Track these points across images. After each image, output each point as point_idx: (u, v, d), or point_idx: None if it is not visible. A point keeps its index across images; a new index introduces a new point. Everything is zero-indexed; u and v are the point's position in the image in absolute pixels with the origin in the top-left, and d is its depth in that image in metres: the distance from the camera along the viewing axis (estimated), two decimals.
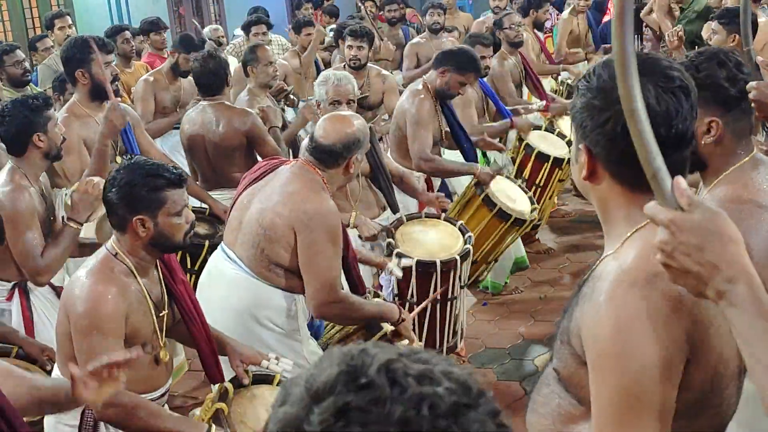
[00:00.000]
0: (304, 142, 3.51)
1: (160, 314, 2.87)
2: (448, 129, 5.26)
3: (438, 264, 4.23)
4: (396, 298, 4.20)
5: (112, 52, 4.47)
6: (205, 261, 3.85)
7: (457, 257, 4.29)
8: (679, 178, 1.27)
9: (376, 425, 0.84)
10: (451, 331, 4.50)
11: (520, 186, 5.37)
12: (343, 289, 3.46)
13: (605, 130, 1.51)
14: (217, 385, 2.97)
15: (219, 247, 3.59)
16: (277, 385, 3.00)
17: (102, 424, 2.77)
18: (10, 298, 3.70)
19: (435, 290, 4.17)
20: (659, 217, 1.28)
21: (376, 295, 3.87)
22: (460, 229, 4.55)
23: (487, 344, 5.21)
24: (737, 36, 4.71)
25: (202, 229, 4.37)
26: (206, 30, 9.08)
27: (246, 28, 8.08)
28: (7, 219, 3.40)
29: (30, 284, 3.68)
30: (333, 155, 3.39)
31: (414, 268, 4.19)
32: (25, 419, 2.99)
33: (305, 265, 3.31)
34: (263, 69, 5.54)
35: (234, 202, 3.59)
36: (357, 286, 3.63)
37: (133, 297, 2.74)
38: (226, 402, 2.82)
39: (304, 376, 0.91)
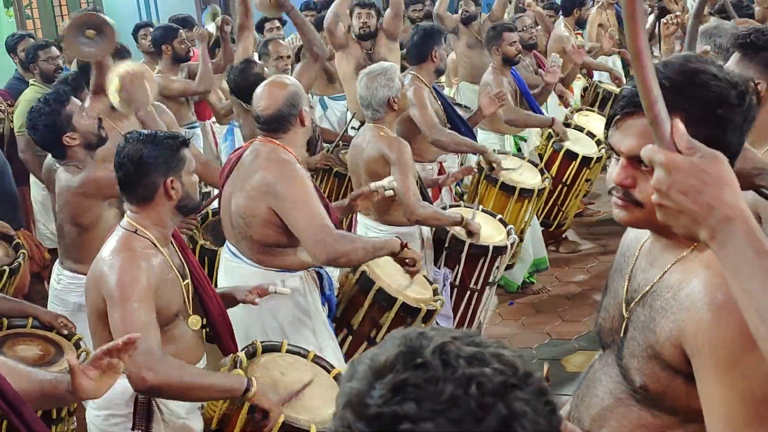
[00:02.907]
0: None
1: (185, 282, 2.91)
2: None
3: (490, 249, 4.35)
4: (455, 289, 4.40)
5: (124, 58, 4.47)
6: None
7: (508, 244, 4.44)
8: (678, 122, 1.26)
9: (429, 402, 0.91)
10: (471, 324, 4.58)
11: (530, 161, 5.45)
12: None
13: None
14: (229, 356, 2.98)
15: (224, 246, 3.66)
16: (287, 352, 3.05)
17: (156, 409, 2.79)
18: None
19: (480, 275, 4.37)
20: (657, 158, 1.27)
21: (434, 291, 3.85)
22: (500, 221, 4.68)
23: (514, 344, 5.17)
24: None
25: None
26: None
27: (259, 26, 8.09)
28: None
29: None
30: (283, 120, 3.43)
31: (466, 251, 4.31)
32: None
33: (293, 224, 3.31)
34: (273, 63, 5.58)
35: (220, 200, 3.65)
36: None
37: (160, 270, 2.77)
38: (242, 369, 2.85)
39: (369, 354, 0.99)
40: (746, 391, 1.40)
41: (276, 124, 3.43)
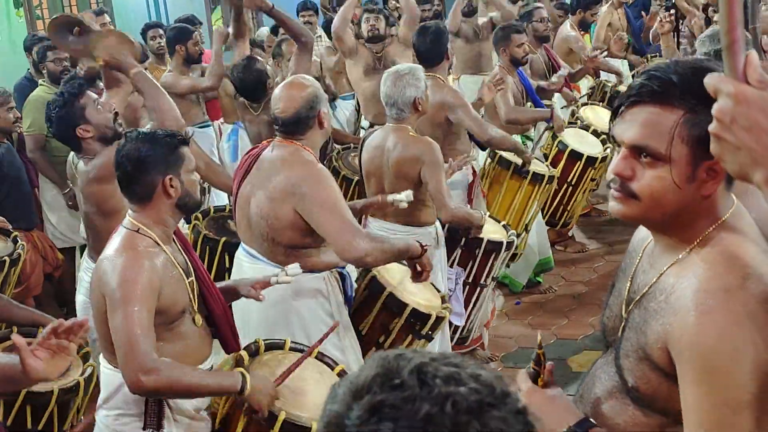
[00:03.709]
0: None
1: (189, 279, 2.91)
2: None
3: (504, 245, 4.49)
4: (467, 286, 4.53)
5: (141, 62, 4.48)
6: None
7: (516, 239, 4.63)
8: (753, 53, 1.18)
9: (405, 421, 0.92)
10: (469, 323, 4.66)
11: (536, 158, 5.55)
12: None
13: None
14: (231, 354, 3.00)
15: (240, 247, 3.64)
16: (290, 350, 3.06)
17: (167, 409, 2.81)
18: None
19: (491, 271, 4.56)
20: (725, 86, 1.18)
21: (443, 299, 3.86)
22: (503, 227, 4.78)
23: (520, 344, 5.18)
24: None
25: None
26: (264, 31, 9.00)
27: (275, 28, 8.09)
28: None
29: None
30: (301, 122, 3.42)
31: (483, 247, 4.45)
32: (57, 387, 3.04)
33: (319, 225, 3.29)
34: (287, 64, 5.59)
35: (234, 201, 3.63)
36: None
37: (163, 268, 2.78)
38: (244, 367, 2.86)
39: (349, 377, 1.01)
40: (722, 399, 1.40)
41: (294, 126, 3.42)
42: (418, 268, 3.50)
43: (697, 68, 1.47)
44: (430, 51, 5.02)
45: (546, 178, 5.36)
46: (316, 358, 3.07)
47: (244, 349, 3.00)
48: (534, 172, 5.32)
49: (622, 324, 1.65)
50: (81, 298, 3.87)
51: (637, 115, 1.53)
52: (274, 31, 8.10)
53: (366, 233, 3.38)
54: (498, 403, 0.95)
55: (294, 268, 3.17)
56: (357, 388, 0.97)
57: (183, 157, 2.86)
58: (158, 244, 2.82)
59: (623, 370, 1.63)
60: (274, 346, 3.08)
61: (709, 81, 1.21)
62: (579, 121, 6.34)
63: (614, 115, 1.60)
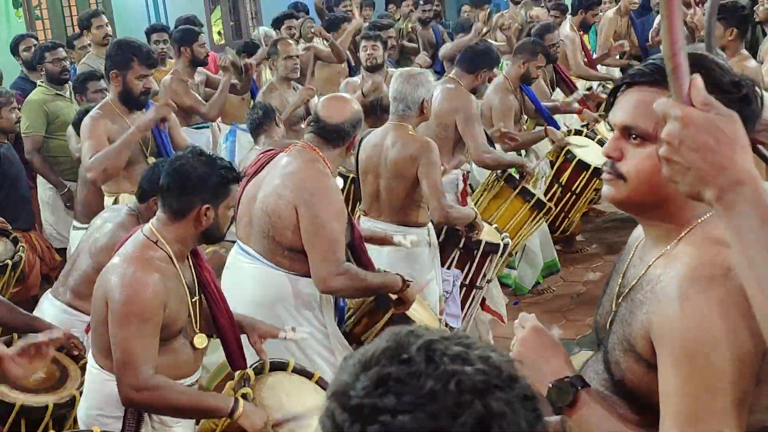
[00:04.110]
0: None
1: (193, 299, 2.91)
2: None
3: (501, 247, 4.50)
4: (464, 288, 4.55)
5: (153, 66, 4.48)
6: None
7: (509, 241, 4.66)
8: (697, 77, 1.22)
9: (408, 395, 0.93)
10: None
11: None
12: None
13: None
14: (237, 372, 3.00)
15: (235, 245, 3.62)
16: (292, 371, 3.07)
17: (146, 414, 2.82)
18: None
19: (488, 273, 4.57)
20: (672, 110, 1.23)
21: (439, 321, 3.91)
22: (496, 230, 4.77)
23: None
24: (734, 30, 4.68)
25: None
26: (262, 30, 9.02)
27: (278, 22, 8.11)
28: None
29: None
30: (341, 134, 3.43)
31: (481, 249, 4.46)
32: (52, 403, 3.06)
33: (308, 241, 3.30)
34: (282, 63, 5.62)
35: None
36: (367, 267, 3.59)
37: (171, 284, 2.78)
38: (249, 386, 2.86)
39: (361, 350, 1.01)
40: (700, 385, 1.41)
41: (332, 134, 3.43)
42: (396, 301, 3.54)
43: (689, 56, 1.48)
44: (474, 60, 5.07)
45: (546, 208, 5.33)
46: (316, 382, 3.08)
47: (251, 367, 2.99)
48: (538, 198, 5.27)
49: (611, 318, 1.66)
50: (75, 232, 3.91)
51: (629, 98, 1.58)
52: (277, 24, 8.11)
53: (346, 269, 3.35)
54: (504, 386, 0.95)
55: (303, 330, 3.19)
56: (366, 359, 0.98)
57: (229, 193, 2.85)
58: (171, 260, 2.81)
59: (610, 365, 1.64)
60: (277, 366, 3.07)
61: (658, 106, 1.26)
62: (593, 133, 6.30)
63: (612, 104, 1.63)
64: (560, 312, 5.57)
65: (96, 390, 2.87)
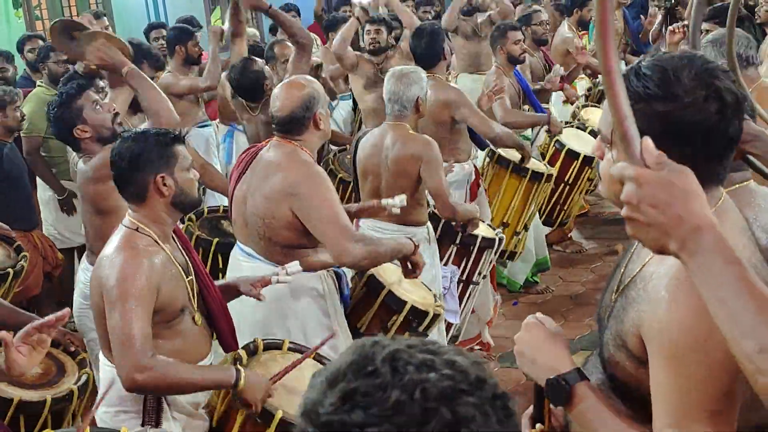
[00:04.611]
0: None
1: (188, 278, 2.92)
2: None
3: (497, 241, 4.54)
4: (461, 283, 4.56)
5: (161, 69, 4.47)
6: None
7: (503, 236, 4.72)
8: (647, 139, 1.29)
9: (376, 408, 0.93)
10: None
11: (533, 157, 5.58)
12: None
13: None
14: (229, 353, 3.01)
15: (236, 246, 3.64)
16: (288, 350, 3.08)
17: (165, 406, 2.83)
18: None
19: (484, 268, 4.61)
20: (627, 173, 1.30)
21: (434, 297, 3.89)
22: (488, 225, 4.81)
23: None
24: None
25: None
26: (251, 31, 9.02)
27: (273, 27, 8.12)
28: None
29: None
30: (297, 121, 3.42)
31: (477, 244, 4.48)
32: (50, 397, 3.07)
33: (315, 227, 3.30)
34: (281, 66, 5.59)
35: (230, 199, 3.64)
36: None
37: (162, 266, 2.79)
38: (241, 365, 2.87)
39: (327, 366, 1.02)
40: (689, 383, 1.44)
41: (289, 125, 3.43)
42: (410, 266, 3.52)
43: (665, 63, 1.53)
44: (427, 51, 5.04)
45: (545, 176, 5.38)
46: (313, 359, 3.08)
47: (243, 348, 3.01)
48: (533, 171, 5.33)
49: (608, 314, 1.68)
50: (77, 299, 3.88)
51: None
52: (272, 30, 8.14)
53: (360, 236, 3.39)
54: (472, 390, 0.95)
55: (294, 266, 3.18)
56: (333, 375, 0.98)
57: (176, 155, 2.85)
58: (157, 242, 2.83)
59: (605, 361, 1.66)
60: (272, 346, 3.09)
61: (614, 170, 1.33)
62: (578, 121, 6.34)
63: None
64: (559, 312, 5.57)
65: (112, 387, 2.86)
